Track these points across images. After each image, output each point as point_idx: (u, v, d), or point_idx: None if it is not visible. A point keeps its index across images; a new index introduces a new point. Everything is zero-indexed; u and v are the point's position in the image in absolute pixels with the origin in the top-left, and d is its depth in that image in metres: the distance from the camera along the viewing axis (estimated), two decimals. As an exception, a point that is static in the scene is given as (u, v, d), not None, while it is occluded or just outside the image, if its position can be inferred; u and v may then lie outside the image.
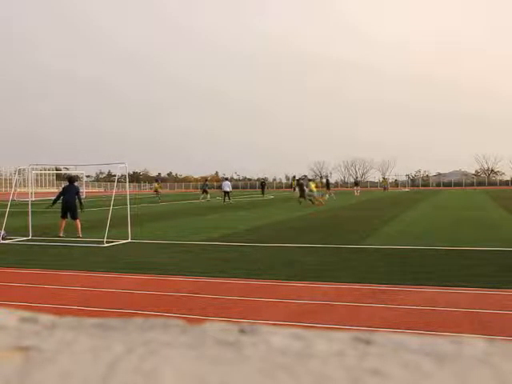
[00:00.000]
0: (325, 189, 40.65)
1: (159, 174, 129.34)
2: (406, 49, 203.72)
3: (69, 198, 13.90)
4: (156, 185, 40.89)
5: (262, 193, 46.89)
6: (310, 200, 27.71)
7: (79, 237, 13.29)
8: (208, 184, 39.45)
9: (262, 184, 50.12)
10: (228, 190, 33.67)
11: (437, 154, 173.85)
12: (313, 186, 28.72)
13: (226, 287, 7.08)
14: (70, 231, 14.07)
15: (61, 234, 13.52)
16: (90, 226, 16.50)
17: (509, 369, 0.40)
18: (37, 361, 0.41)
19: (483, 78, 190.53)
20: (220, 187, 32.78)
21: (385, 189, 71.27)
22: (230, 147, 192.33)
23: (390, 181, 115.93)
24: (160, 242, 12.10)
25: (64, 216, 13.92)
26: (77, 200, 13.94)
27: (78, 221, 13.87)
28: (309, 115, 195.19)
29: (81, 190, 14.99)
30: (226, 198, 33.36)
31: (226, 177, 43.15)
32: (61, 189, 14.80)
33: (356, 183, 55.95)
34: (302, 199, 28.45)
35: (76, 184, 14.70)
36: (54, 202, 14.58)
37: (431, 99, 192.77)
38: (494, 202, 30.12)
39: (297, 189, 31.45)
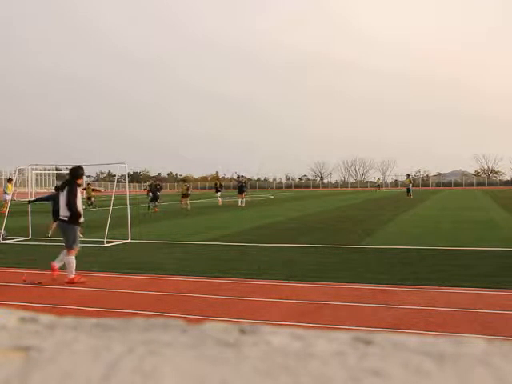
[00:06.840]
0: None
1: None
2: (406, 49, 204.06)
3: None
4: (9, 185, 23.51)
5: (154, 198, 28.11)
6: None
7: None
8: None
9: (151, 186, 28.45)
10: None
11: (437, 154, 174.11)
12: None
13: (225, 287, 7.08)
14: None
15: (49, 234, 13.68)
16: (90, 226, 16.50)
17: (509, 369, 0.40)
18: (37, 361, 0.41)
19: (483, 78, 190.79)
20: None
21: (378, 188, 71.12)
22: (230, 147, 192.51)
23: (391, 181, 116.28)
24: (160, 242, 12.09)
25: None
26: None
27: None
28: (309, 115, 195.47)
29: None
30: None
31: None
32: (52, 192, 14.96)
33: (241, 189, 31.15)
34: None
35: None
36: (39, 200, 14.94)
37: (431, 99, 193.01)
38: (493, 202, 30.11)
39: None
